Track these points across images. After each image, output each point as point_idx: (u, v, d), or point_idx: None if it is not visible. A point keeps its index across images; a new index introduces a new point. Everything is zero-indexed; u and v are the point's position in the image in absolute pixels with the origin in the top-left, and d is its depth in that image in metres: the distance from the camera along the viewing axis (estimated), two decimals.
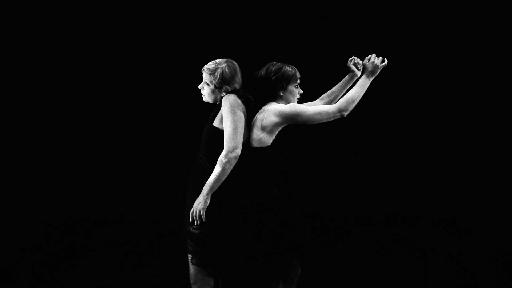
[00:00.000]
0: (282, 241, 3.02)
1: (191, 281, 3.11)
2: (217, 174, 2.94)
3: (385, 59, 3.19)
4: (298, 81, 3.20)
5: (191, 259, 3.06)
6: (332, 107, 3.03)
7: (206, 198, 2.95)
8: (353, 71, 3.43)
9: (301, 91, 3.25)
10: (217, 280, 3.12)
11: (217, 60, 3.15)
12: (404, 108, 5.16)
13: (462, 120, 5.14)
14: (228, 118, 2.98)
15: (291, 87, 3.17)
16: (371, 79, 3.14)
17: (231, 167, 2.95)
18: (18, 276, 4.23)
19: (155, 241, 4.92)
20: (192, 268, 3.08)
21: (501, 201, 5.06)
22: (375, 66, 3.15)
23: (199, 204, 2.95)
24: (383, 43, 5.03)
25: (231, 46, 4.71)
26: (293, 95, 3.19)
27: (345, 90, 3.48)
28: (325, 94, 3.49)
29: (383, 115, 5.14)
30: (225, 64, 3.12)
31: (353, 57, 3.44)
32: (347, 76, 3.46)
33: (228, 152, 2.93)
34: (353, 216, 5.29)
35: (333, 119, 3.04)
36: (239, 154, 2.94)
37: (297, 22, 5.08)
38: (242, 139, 2.97)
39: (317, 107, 3.05)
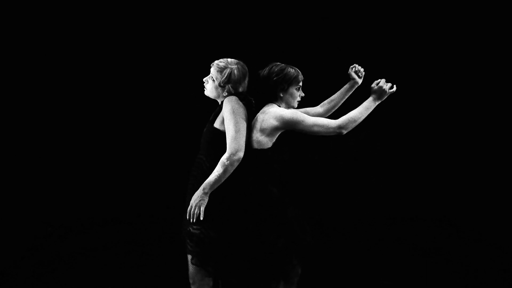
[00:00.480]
0: (282, 240, 3.02)
1: (190, 281, 3.11)
2: (218, 175, 2.93)
3: (394, 85, 3.11)
4: (300, 83, 3.18)
5: (191, 259, 3.06)
6: (332, 123, 3.00)
7: (205, 197, 2.95)
8: (353, 79, 3.43)
9: (303, 94, 3.22)
10: (217, 280, 3.13)
11: (229, 60, 3.14)
12: (404, 109, 5.15)
13: (461, 122, 5.14)
14: (231, 121, 2.97)
15: (292, 90, 3.16)
16: (377, 103, 3.08)
17: (232, 170, 2.94)
18: (18, 276, 4.23)
19: (155, 241, 4.92)
20: (191, 268, 3.08)
21: (501, 201, 5.06)
22: (383, 92, 3.08)
23: (197, 201, 2.94)
24: (383, 43, 5.03)
25: (231, 46, 4.70)
26: (294, 98, 3.17)
27: (345, 98, 3.48)
28: (325, 101, 3.49)
29: (386, 124, 5.13)
30: (236, 66, 3.12)
31: (354, 64, 3.43)
32: (348, 84, 3.45)
33: (231, 154, 2.93)
34: (353, 217, 5.29)
35: (331, 134, 3.01)
36: (242, 157, 2.94)
37: (297, 22, 5.08)
38: (244, 142, 2.97)
39: (317, 119, 3.02)
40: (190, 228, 3.03)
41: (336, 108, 3.48)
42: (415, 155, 5.22)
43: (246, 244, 3.01)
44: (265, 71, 3.15)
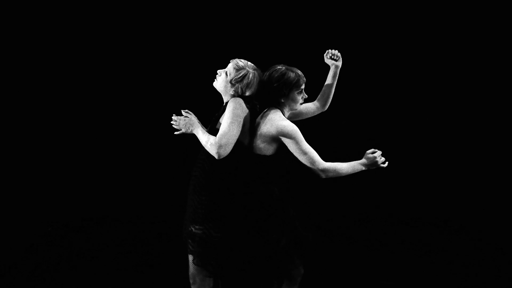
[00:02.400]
0: (284, 240, 3.01)
1: (191, 281, 3.11)
2: (199, 138, 3.02)
3: (387, 162, 3.13)
4: (302, 87, 3.15)
5: (193, 260, 3.05)
6: (319, 163, 3.01)
7: (191, 130, 3.07)
8: (332, 64, 3.43)
9: (306, 96, 3.20)
10: (217, 281, 3.12)
11: (249, 63, 3.14)
12: (404, 109, 5.16)
13: (460, 122, 5.15)
14: (228, 119, 2.96)
15: (293, 94, 3.13)
16: (363, 169, 3.10)
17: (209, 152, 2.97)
18: (18, 276, 4.23)
19: (155, 241, 4.92)
20: (192, 269, 3.08)
21: (501, 202, 5.07)
22: (375, 162, 3.10)
23: (187, 124, 3.08)
24: (382, 42, 5.03)
25: (231, 46, 4.71)
26: (295, 102, 3.15)
27: (334, 85, 3.48)
28: (319, 96, 3.51)
29: (383, 116, 5.14)
30: (253, 71, 3.11)
31: (327, 50, 3.43)
32: (330, 72, 3.46)
33: (217, 144, 2.91)
34: (353, 217, 5.30)
35: (312, 169, 3.03)
36: (223, 155, 2.91)
37: (297, 22, 5.09)
38: (233, 143, 2.94)
39: (311, 151, 3.02)
40: (192, 229, 3.02)
41: (330, 97, 3.50)
42: (415, 156, 5.23)
43: (249, 243, 3.01)
44: (266, 76, 3.13)
